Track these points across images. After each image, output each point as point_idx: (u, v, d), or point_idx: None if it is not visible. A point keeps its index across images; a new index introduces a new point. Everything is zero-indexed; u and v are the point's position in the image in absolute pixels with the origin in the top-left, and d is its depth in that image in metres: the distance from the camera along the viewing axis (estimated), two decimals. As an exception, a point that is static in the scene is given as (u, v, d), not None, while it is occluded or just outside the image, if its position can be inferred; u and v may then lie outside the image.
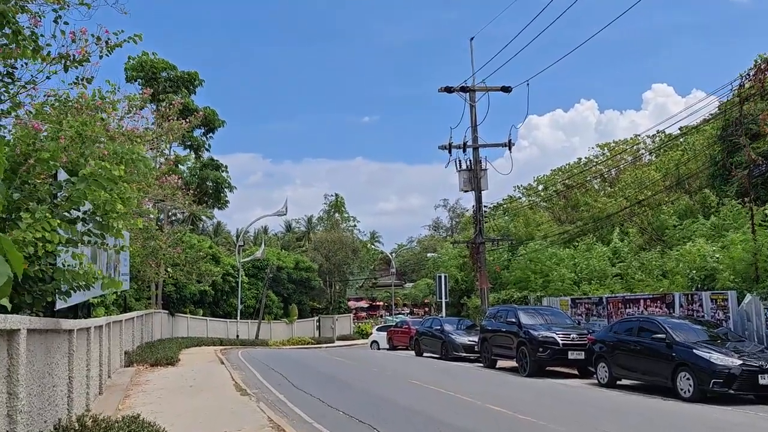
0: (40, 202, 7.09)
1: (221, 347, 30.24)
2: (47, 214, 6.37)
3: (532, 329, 16.79)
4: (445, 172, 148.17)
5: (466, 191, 24.50)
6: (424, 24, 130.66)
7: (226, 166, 40.16)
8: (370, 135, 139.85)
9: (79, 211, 7.62)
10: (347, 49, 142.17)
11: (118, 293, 19.02)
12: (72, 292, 7.62)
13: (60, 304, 8.94)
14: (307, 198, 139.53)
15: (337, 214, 68.59)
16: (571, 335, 16.25)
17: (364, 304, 72.77)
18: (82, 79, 9.66)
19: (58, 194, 7.04)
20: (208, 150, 36.60)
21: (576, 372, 16.91)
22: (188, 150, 35.49)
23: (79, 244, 7.65)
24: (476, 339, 21.43)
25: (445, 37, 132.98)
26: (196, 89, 32.70)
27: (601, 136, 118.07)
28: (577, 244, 27.12)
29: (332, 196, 71.12)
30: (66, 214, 7.56)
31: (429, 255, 45.08)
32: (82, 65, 9.05)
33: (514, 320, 17.63)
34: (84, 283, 7.28)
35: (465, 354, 21.73)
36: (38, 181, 8.02)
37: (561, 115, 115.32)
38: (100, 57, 9.24)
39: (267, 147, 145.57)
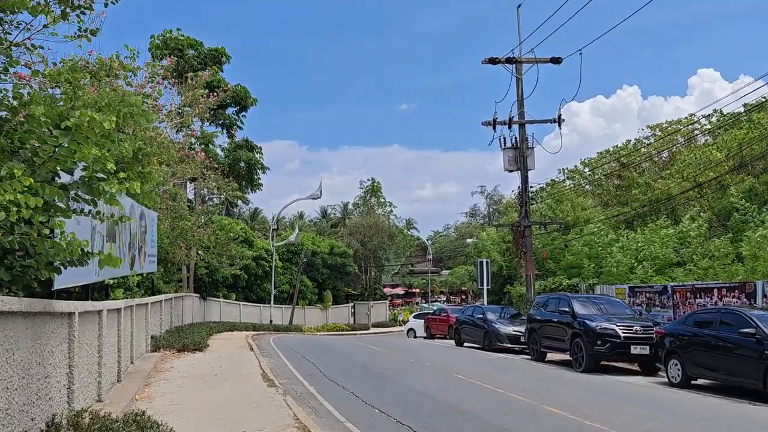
0: (23, 162, 5.92)
1: (254, 332, 29.43)
2: (17, 171, 5.17)
3: (588, 320, 15.17)
4: (482, 159, 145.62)
5: (511, 171, 22.81)
6: (462, 13, 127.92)
7: (260, 148, 39.28)
8: (406, 122, 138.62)
9: (71, 174, 6.40)
10: (385, 38, 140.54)
11: (144, 275, 18.09)
12: (62, 267, 6.42)
13: (58, 283, 7.83)
14: (343, 185, 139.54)
15: (373, 199, 67.27)
16: (634, 327, 14.56)
17: (399, 290, 71.55)
18: (85, 31, 8.43)
19: (40, 152, 5.81)
20: (240, 128, 35.68)
21: (637, 368, 15.27)
22: (220, 128, 34.55)
23: (74, 214, 6.43)
24: (522, 329, 19.93)
25: (483, 26, 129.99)
26: (224, 66, 31.69)
27: (643, 123, 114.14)
28: (628, 228, 25.21)
29: (368, 181, 69.80)
30: (56, 177, 6.38)
31: (468, 240, 43.45)
32: (84, 13, 7.83)
33: (567, 310, 16.03)
34: (70, 257, 6.06)
35: (510, 345, 20.23)
36: (36, 145, 6.87)
37: (602, 102, 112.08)
38: (106, 5, 7.99)
39: (304, 135, 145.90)
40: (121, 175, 6.76)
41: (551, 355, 17.54)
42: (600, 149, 44.71)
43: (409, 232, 74.03)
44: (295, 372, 14.56)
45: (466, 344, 23.13)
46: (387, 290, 65.43)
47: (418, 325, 32.80)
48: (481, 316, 22.02)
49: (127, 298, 14.52)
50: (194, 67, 27.04)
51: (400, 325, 48.27)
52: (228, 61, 32.50)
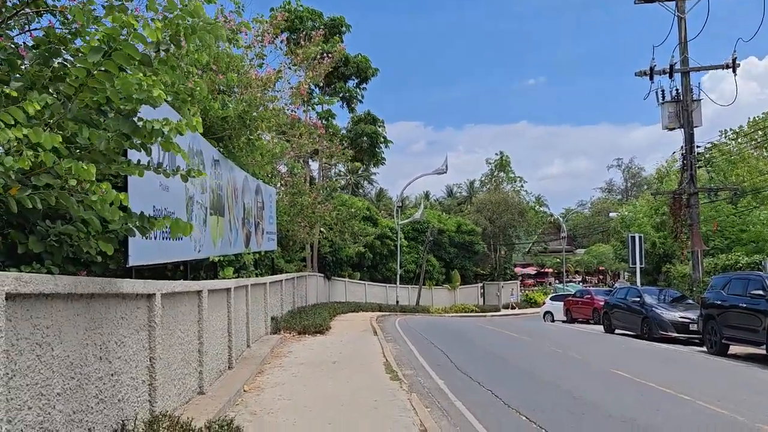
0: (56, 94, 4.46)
1: (379, 313, 28.26)
2: (12, 93, 3.65)
3: (794, 307, 11.86)
4: (614, 133, 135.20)
5: (671, 129, 19.29)
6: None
7: (382, 121, 37.90)
8: (534, 98, 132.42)
9: (132, 115, 4.77)
10: (510, 11, 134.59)
11: (262, 253, 17.15)
12: (114, 236, 4.92)
13: (134, 259, 6.47)
14: (470, 164, 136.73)
15: (501, 174, 63.84)
16: None
17: (531, 270, 67.72)
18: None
19: (68, 79, 4.28)
20: (361, 101, 34.43)
21: None
22: (340, 102, 33.52)
23: (128, 169, 4.81)
24: (691, 315, 16.72)
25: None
26: (344, 37, 30.33)
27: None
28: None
29: (497, 155, 66.34)
30: (94, 117, 4.76)
31: (612, 214, 39.27)
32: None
33: (760, 293, 12.72)
34: (109, 220, 4.49)
35: (675, 334, 17.01)
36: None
37: (755, 64, 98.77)
38: None
39: (429, 115, 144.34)
40: (161, 98, 4.80)
41: (734, 348, 14.28)
42: (754, 115, 37.61)
43: (540, 209, 69.83)
44: (421, 360, 12.82)
45: (617, 331, 20.09)
46: (518, 270, 62.05)
47: (557, 307, 29.87)
48: (638, 299, 18.82)
49: (240, 277, 13.42)
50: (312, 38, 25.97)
51: (513, 308, 45.20)
52: (348, 30, 31.23)
